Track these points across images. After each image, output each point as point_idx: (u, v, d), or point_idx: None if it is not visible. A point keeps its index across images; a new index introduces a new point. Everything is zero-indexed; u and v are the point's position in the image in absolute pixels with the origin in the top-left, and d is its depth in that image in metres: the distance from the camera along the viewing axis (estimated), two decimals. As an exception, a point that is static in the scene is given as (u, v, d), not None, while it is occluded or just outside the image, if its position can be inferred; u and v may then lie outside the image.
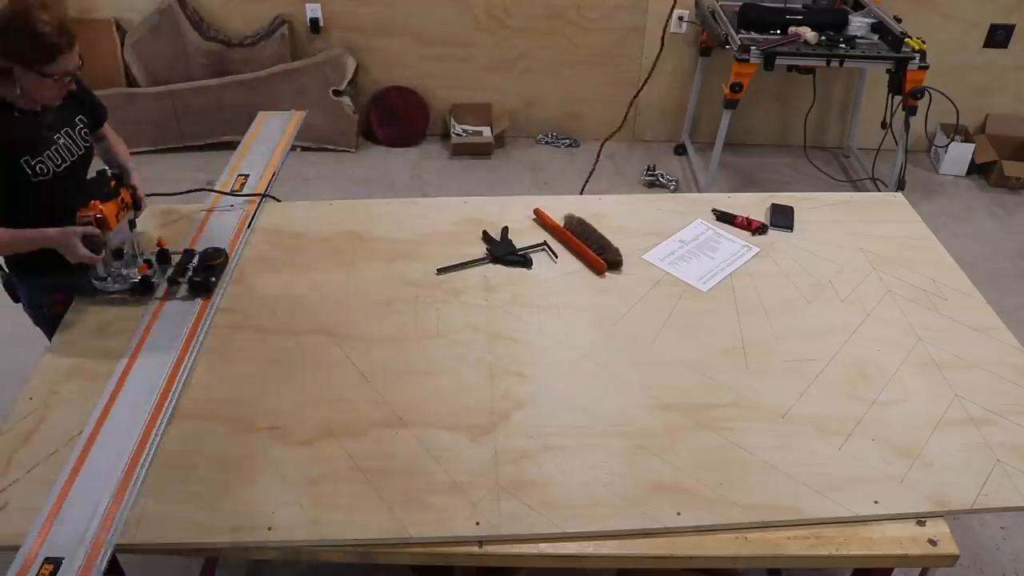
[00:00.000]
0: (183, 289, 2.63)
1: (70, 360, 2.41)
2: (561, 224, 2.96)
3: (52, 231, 2.42)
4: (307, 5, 5.38)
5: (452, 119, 5.71)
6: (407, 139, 5.75)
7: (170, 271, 2.67)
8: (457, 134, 5.64)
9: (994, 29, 5.38)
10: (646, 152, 5.70)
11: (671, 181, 5.36)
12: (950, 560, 1.99)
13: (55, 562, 1.83)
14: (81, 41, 5.09)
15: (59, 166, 2.52)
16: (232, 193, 3.10)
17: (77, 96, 2.60)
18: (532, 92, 5.75)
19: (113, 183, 2.50)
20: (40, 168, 2.47)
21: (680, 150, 5.79)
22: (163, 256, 2.71)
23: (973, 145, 5.53)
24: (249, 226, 2.95)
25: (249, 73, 5.39)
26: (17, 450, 2.12)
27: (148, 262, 2.66)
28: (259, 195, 3.09)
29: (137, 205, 2.62)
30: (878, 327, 2.57)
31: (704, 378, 2.38)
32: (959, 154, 5.54)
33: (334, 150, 5.60)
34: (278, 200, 3.14)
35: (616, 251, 2.83)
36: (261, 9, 5.43)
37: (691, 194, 4.86)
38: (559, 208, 3.04)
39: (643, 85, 5.25)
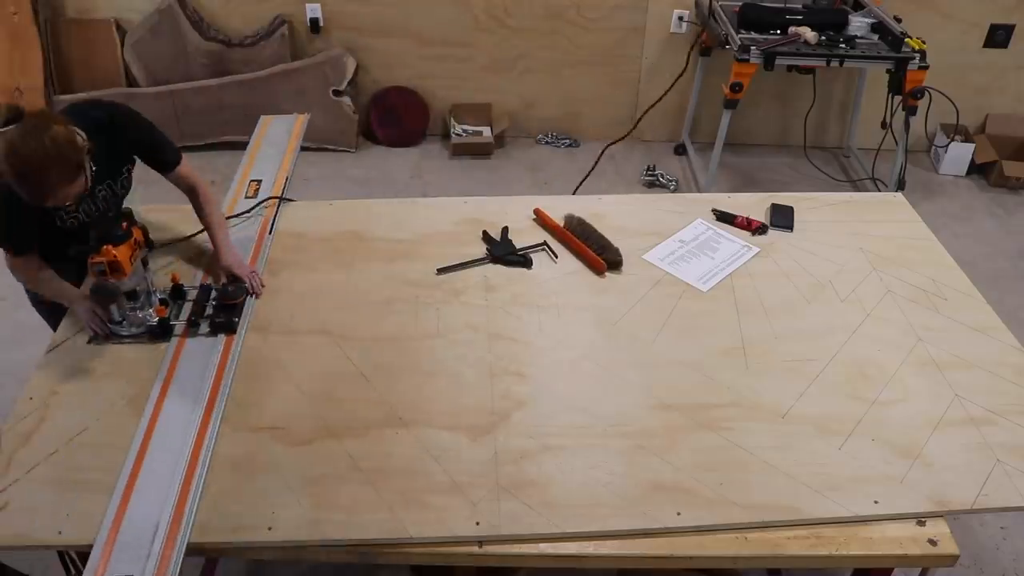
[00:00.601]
0: (204, 326, 2.54)
1: (71, 360, 2.42)
2: (561, 224, 2.96)
3: (73, 294, 2.56)
4: (307, 5, 5.37)
5: (452, 119, 5.71)
6: (407, 139, 5.75)
7: (188, 311, 2.59)
8: (457, 134, 5.63)
9: (994, 29, 5.37)
10: (646, 152, 5.70)
11: (671, 181, 5.36)
12: (950, 560, 1.99)
13: None
14: (81, 41, 5.18)
15: (90, 215, 2.58)
16: (252, 211, 3.06)
17: (132, 145, 2.63)
18: (532, 92, 5.74)
19: (125, 224, 2.40)
20: (70, 221, 2.54)
21: (680, 150, 5.79)
22: (178, 292, 2.64)
23: (973, 145, 5.53)
24: (270, 232, 2.95)
25: (249, 73, 5.38)
26: (17, 450, 2.13)
27: (164, 302, 2.57)
28: (275, 197, 3.10)
29: (150, 244, 2.56)
30: (878, 327, 2.58)
31: (704, 378, 2.38)
32: (959, 154, 5.54)
33: (334, 150, 5.59)
34: (291, 200, 3.15)
35: (616, 251, 2.83)
36: (261, 9, 5.42)
37: (691, 194, 4.86)
38: (559, 208, 3.04)
39: (665, 93, 5.26)
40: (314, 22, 5.42)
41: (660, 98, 5.25)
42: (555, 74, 5.66)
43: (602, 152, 5.26)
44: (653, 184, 5.37)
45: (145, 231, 2.51)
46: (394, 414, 2.25)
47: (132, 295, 2.48)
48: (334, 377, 2.37)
